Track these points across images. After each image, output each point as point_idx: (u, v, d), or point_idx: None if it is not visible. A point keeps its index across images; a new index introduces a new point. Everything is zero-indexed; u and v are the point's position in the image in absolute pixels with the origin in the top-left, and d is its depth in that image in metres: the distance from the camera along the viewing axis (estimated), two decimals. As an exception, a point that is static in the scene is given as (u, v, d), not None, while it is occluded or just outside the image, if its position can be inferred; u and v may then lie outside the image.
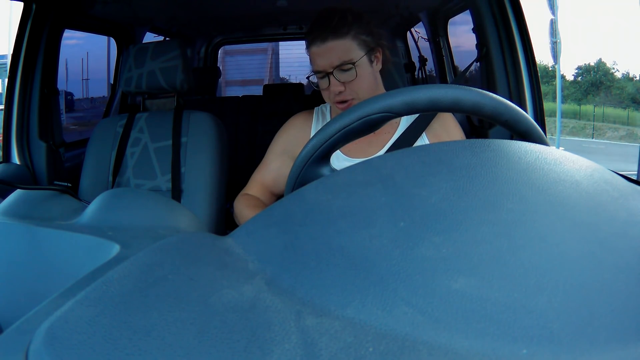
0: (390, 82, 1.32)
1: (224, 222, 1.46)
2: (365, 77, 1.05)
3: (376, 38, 1.08)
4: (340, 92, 1.04)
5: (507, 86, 1.49)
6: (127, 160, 1.45)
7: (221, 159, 1.42)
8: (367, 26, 1.06)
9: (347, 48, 1.03)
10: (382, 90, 1.13)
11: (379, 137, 1.12)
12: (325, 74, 1.04)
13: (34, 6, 1.54)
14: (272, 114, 2.46)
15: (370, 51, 1.06)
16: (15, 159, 1.57)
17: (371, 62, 1.07)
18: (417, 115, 1.13)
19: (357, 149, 1.10)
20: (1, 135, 1.60)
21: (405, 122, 1.14)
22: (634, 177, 1.04)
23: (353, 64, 1.03)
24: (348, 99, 1.05)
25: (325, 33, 1.02)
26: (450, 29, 2.27)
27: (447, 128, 1.13)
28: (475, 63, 1.63)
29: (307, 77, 1.08)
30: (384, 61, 1.12)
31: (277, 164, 1.17)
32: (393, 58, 1.37)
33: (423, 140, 1.10)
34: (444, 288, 0.30)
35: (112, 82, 2.44)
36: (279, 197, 1.20)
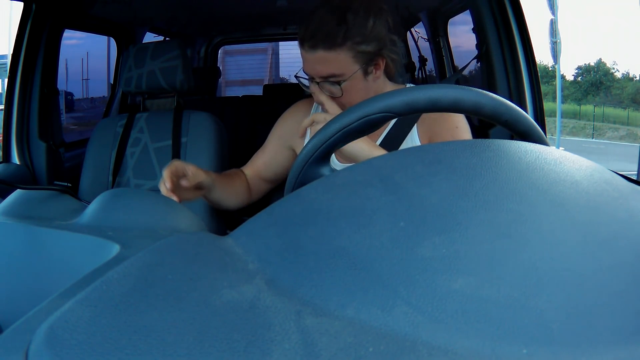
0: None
1: (224, 222, 1.46)
2: (355, 92, 0.93)
3: (382, 44, 0.93)
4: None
5: (507, 86, 1.49)
6: (127, 160, 1.45)
7: (221, 159, 1.42)
8: (374, 29, 0.91)
9: (338, 61, 0.90)
10: None
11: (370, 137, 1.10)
12: (312, 79, 0.95)
13: (34, 6, 1.54)
14: (272, 114, 2.46)
15: (368, 62, 0.93)
16: (15, 159, 1.57)
17: (367, 74, 0.94)
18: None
19: None
20: (1, 135, 1.60)
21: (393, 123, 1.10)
22: (634, 177, 1.04)
23: (340, 81, 0.91)
24: None
25: (316, 40, 0.89)
26: (450, 29, 2.27)
27: (442, 125, 1.01)
28: (475, 63, 1.63)
29: (296, 75, 0.99)
30: (387, 67, 0.99)
31: (271, 149, 1.15)
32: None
33: (412, 136, 1.04)
34: (444, 288, 0.30)
35: (112, 82, 2.44)
36: (268, 182, 1.19)
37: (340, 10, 0.90)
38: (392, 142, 1.03)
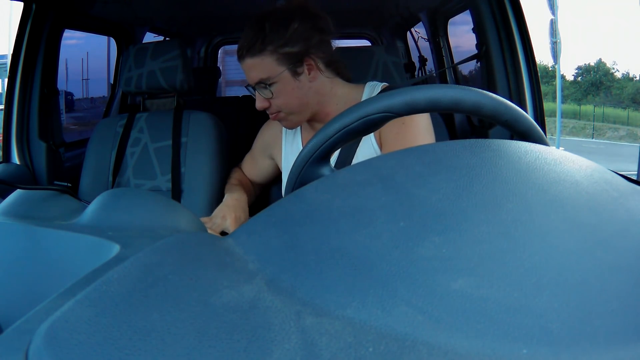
0: (390, 82, 1.32)
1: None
2: (287, 93, 1.00)
3: (308, 45, 0.98)
4: (265, 107, 1.03)
5: (507, 86, 1.49)
6: (127, 160, 1.45)
7: (221, 159, 1.42)
8: (297, 32, 0.97)
9: (262, 66, 0.98)
10: (326, 101, 1.05)
11: None
12: (253, 88, 1.03)
13: (34, 6, 1.54)
14: (272, 113, 2.45)
15: (295, 64, 0.98)
16: (15, 159, 1.57)
17: (297, 75, 0.99)
18: None
19: None
20: (1, 135, 1.60)
21: None
22: (634, 177, 1.04)
23: (267, 83, 0.99)
24: (273, 112, 1.04)
25: (242, 51, 0.99)
26: (450, 29, 2.27)
27: (403, 129, 1.01)
28: (475, 63, 1.63)
29: (246, 86, 1.06)
30: (337, 68, 1.05)
31: (255, 158, 1.26)
32: (393, 58, 1.37)
33: (370, 141, 1.05)
34: (444, 288, 0.30)
35: (112, 82, 2.44)
36: (258, 185, 1.30)
37: (258, 21, 0.99)
38: None
